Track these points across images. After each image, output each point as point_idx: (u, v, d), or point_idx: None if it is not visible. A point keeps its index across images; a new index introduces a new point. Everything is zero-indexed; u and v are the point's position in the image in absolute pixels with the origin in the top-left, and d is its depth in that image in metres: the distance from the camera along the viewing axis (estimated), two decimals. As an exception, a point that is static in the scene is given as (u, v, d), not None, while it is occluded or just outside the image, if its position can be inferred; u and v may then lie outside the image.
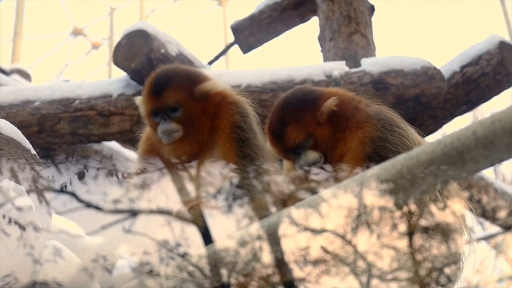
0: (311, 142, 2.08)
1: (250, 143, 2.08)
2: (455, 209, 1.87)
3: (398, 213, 1.39)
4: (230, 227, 1.48)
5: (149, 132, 2.23)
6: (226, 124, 2.10)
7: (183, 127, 2.09)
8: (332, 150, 2.06)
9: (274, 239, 1.42)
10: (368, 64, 3.41)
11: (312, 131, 2.07)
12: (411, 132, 2.08)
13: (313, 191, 1.56)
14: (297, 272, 1.40)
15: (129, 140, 3.57)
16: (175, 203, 1.58)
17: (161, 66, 3.27)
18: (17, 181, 1.72)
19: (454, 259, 1.85)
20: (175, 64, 2.69)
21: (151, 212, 1.50)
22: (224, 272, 1.43)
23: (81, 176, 1.57)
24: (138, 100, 2.23)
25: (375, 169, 1.37)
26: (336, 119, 2.07)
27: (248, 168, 1.97)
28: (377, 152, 1.95)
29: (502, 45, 3.51)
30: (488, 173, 5.42)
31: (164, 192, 1.55)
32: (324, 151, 2.07)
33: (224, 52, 4.48)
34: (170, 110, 2.10)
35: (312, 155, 2.06)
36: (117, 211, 1.48)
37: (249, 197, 1.60)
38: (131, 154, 4.26)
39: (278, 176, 1.98)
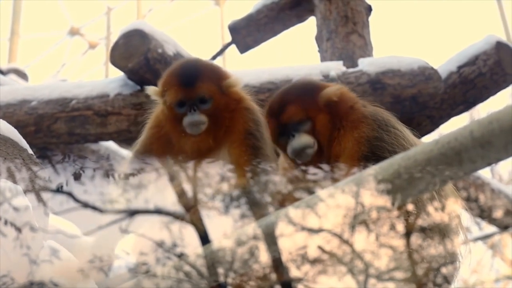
0: (307, 127, 2.06)
1: (261, 153, 2.09)
2: (451, 209, 1.87)
3: (395, 213, 1.39)
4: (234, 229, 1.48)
5: (159, 120, 2.19)
6: (240, 129, 2.11)
7: (208, 120, 2.09)
8: (328, 143, 2.05)
9: (271, 239, 1.42)
10: (365, 64, 3.42)
11: (311, 115, 2.06)
12: (407, 132, 2.08)
13: (311, 191, 1.56)
14: (294, 272, 1.40)
15: (126, 140, 3.57)
16: (173, 203, 1.58)
17: (157, 65, 3.29)
18: (14, 181, 1.71)
19: (451, 259, 1.85)
20: (197, 58, 2.69)
21: (149, 212, 1.50)
22: (221, 272, 1.43)
23: (77, 177, 1.56)
24: (152, 90, 2.19)
25: (373, 169, 1.37)
26: (334, 112, 2.07)
27: (260, 173, 1.96)
28: (373, 152, 1.95)
29: (499, 45, 3.52)
30: (485, 173, 5.43)
31: (163, 190, 1.55)
32: (319, 141, 2.05)
33: (221, 52, 4.48)
34: (199, 102, 2.09)
35: (306, 138, 2.04)
36: (114, 211, 1.48)
37: (257, 201, 1.60)
38: (128, 154, 4.25)
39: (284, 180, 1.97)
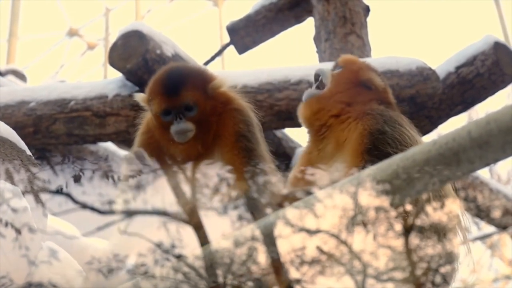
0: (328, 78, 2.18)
1: (255, 154, 2.08)
2: (449, 209, 1.87)
3: (393, 213, 1.39)
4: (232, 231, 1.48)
5: (149, 126, 2.19)
6: (231, 132, 2.09)
7: (196, 126, 2.07)
8: (332, 113, 2.12)
9: (270, 240, 1.42)
10: (364, 65, 3.41)
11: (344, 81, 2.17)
12: (415, 133, 2.08)
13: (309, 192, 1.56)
14: (294, 273, 1.40)
15: (124, 141, 3.56)
16: (171, 204, 1.58)
17: (156, 66, 3.29)
18: (13, 182, 1.71)
19: (449, 259, 1.85)
20: (182, 62, 2.65)
21: (147, 212, 1.50)
22: (220, 272, 1.43)
23: (77, 179, 1.56)
24: (140, 97, 2.19)
25: (371, 169, 1.37)
26: (362, 96, 2.14)
27: (256, 175, 1.96)
28: (375, 145, 1.95)
29: (497, 45, 3.52)
30: (483, 173, 5.43)
31: (161, 192, 1.55)
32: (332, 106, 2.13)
33: (220, 52, 4.48)
34: (185, 109, 2.07)
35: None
36: (113, 212, 1.48)
37: (255, 205, 1.60)
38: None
39: (282, 183, 1.98)
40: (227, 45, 4.35)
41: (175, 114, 2.07)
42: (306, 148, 2.22)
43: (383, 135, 1.97)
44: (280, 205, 1.55)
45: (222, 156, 2.08)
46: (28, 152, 2.04)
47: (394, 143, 1.95)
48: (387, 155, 1.87)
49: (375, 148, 1.94)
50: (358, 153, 1.95)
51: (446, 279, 1.68)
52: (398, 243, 1.41)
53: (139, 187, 1.54)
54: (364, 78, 2.19)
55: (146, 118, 2.25)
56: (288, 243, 1.40)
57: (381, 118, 2.02)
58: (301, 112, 2.19)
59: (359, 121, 2.03)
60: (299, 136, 3.78)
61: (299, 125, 2.27)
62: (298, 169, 2.16)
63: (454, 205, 1.95)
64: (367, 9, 3.94)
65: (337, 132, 2.08)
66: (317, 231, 1.38)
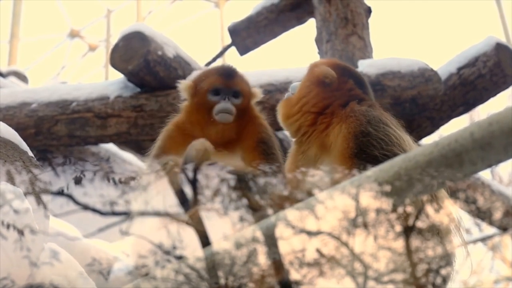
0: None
1: (274, 158, 2.18)
2: (447, 211, 1.86)
3: (394, 215, 1.39)
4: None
5: (180, 123, 2.25)
6: (254, 138, 2.23)
7: (235, 114, 2.20)
8: (315, 119, 2.16)
9: (272, 241, 1.42)
10: (365, 66, 3.42)
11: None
12: (402, 133, 2.07)
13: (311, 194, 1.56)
14: (295, 274, 1.40)
15: (126, 142, 3.56)
16: (173, 205, 1.57)
17: (157, 67, 3.29)
18: (14, 184, 1.71)
19: (446, 261, 1.85)
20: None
21: (148, 214, 1.50)
22: (221, 274, 1.43)
23: (78, 181, 1.56)
24: (184, 84, 2.28)
25: (373, 171, 1.37)
26: (332, 92, 2.16)
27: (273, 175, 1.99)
28: (361, 148, 1.94)
29: (499, 46, 3.52)
30: (484, 175, 5.42)
31: (164, 192, 1.55)
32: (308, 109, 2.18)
33: (221, 53, 4.48)
34: (232, 95, 2.23)
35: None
36: (114, 213, 1.48)
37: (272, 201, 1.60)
38: (128, 156, 4.26)
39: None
40: (229, 46, 4.35)
41: (224, 95, 2.21)
42: (291, 150, 2.28)
43: (367, 137, 1.96)
44: (281, 206, 1.54)
45: (244, 156, 2.19)
46: (30, 154, 2.04)
47: (379, 145, 1.94)
48: (374, 158, 1.87)
49: (362, 151, 1.93)
50: (346, 157, 1.95)
51: (444, 280, 1.67)
52: (396, 245, 1.41)
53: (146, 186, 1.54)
54: (319, 75, 2.22)
55: (177, 118, 2.30)
56: (290, 244, 1.40)
57: (364, 119, 2.01)
58: (278, 115, 2.32)
59: (343, 124, 2.04)
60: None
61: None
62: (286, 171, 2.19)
63: (451, 207, 1.95)
64: (368, 10, 3.94)
65: (321, 137, 2.10)
66: (319, 233, 1.38)
